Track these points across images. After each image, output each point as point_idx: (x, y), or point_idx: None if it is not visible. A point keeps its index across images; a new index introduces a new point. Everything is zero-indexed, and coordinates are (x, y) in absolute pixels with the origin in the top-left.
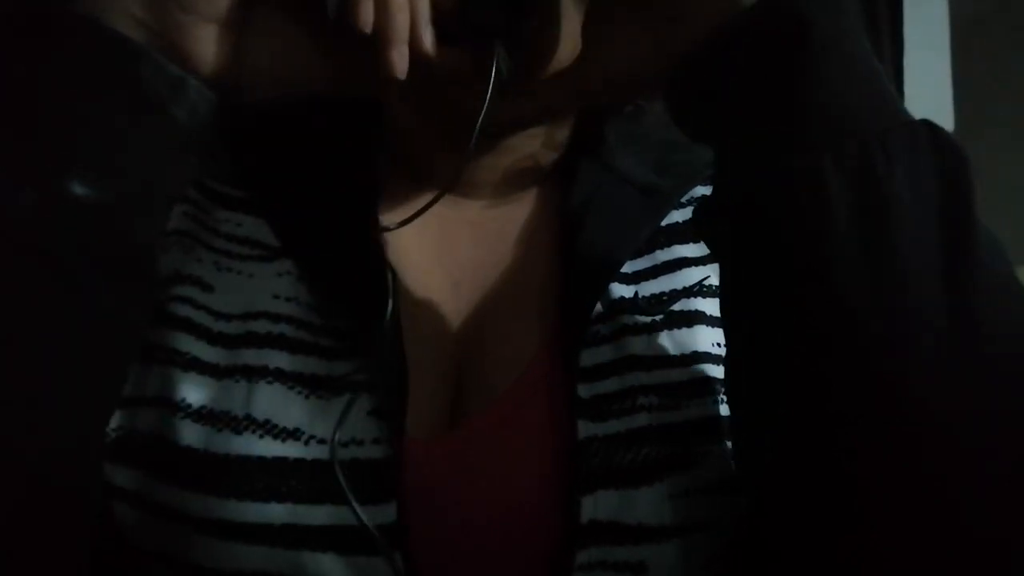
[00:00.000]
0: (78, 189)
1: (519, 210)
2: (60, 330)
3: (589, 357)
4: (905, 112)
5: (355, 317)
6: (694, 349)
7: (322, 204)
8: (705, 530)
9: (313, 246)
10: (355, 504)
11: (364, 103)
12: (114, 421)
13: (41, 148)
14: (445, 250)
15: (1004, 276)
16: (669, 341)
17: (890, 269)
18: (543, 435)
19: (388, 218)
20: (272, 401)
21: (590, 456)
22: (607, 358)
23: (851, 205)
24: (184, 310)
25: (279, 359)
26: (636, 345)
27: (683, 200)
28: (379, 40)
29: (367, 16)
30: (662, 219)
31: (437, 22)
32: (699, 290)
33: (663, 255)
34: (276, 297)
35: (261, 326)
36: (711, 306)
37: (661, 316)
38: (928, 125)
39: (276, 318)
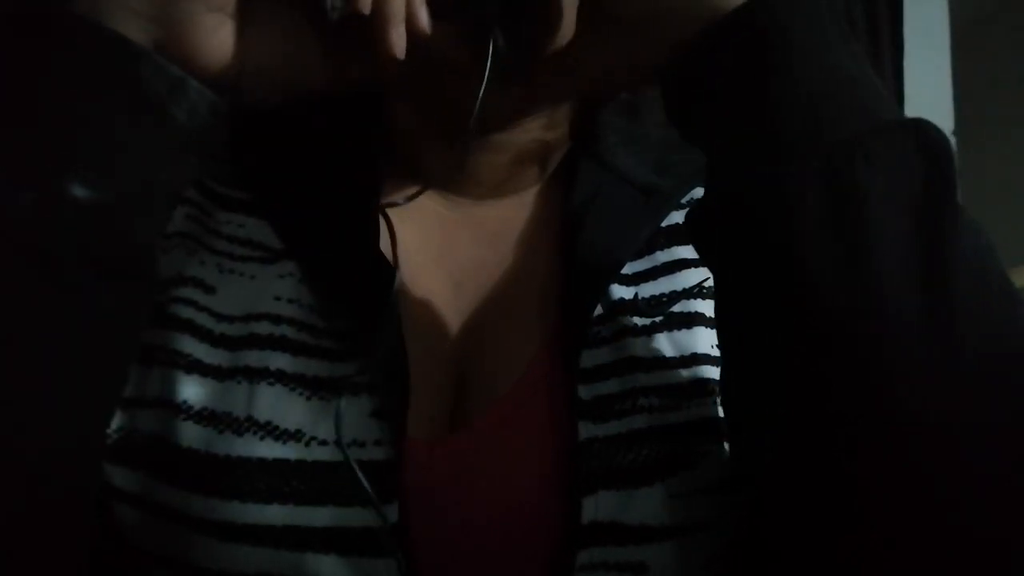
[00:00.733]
0: (78, 190)
1: (520, 211)
2: (59, 330)
3: (589, 358)
4: (893, 113)
5: (356, 319)
6: (694, 351)
7: (323, 205)
8: (705, 530)
9: (315, 248)
10: (376, 502)
11: (364, 103)
12: (115, 422)
13: (41, 149)
14: (447, 251)
15: (989, 272)
16: (669, 342)
17: (866, 271)
18: (543, 436)
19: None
20: (273, 403)
21: (591, 457)
22: (607, 359)
23: (825, 210)
24: (186, 312)
25: (280, 361)
26: (636, 346)
27: (683, 201)
28: (377, 21)
29: None
30: (662, 220)
31: (433, 4)
32: (699, 291)
33: (663, 256)
34: (278, 299)
35: (263, 328)
36: (710, 307)
37: (661, 317)
38: (913, 124)
39: (278, 320)
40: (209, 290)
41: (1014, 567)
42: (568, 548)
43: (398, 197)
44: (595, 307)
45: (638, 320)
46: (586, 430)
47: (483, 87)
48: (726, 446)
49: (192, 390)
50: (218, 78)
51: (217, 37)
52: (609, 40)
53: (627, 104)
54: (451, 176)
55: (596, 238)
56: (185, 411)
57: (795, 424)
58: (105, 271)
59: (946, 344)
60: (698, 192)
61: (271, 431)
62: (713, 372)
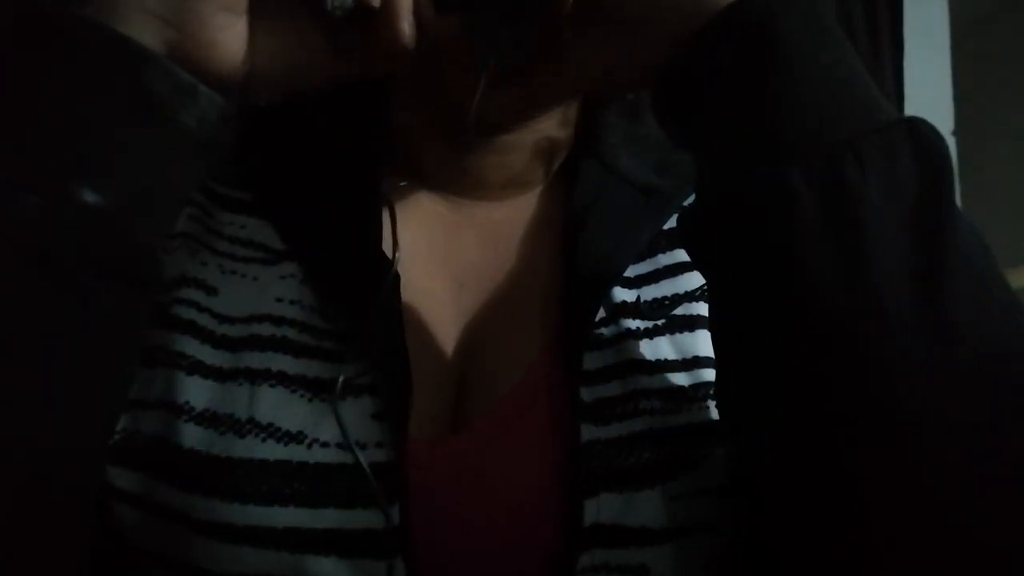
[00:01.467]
0: (86, 195)
1: (523, 212)
2: (60, 331)
3: (591, 361)
4: (887, 114)
5: (358, 320)
6: (695, 353)
7: (325, 206)
8: (706, 532)
9: (316, 249)
10: (384, 505)
11: (365, 104)
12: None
13: (49, 153)
14: (449, 252)
15: (984, 273)
16: (670, 345)
17: (860, 272)
18: (544, 437)
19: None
20: (275, 404)
21: (592, 459)
22: (609, 362)
23: (820, 212)
24: (188, 313)
25: (282, 362)
26: (638, 349)
27: (684, 203)
28: (387, 12)
29: None
30: (664, 222)
31: None
32: (700, 294)
33: (664, 259)
34: (279, 300)
35: (264, 329)
36: None
37: (662, 320)
38: (909, 124)
39: (279, 321)
40: (211, 291)
41: (1014, 567)
42: (569, 550)
43: (398, 195)
44: (597, 309)
45: (640, 323)
46: (588, 432)
47: (483, 78)
48: (726, 449)
49: (194, 391)
50: (228, 78)
51: (228, 36)
52: (609, 40)
53: (628, 105)
54: (452, 176)
55: (598, 240)
56: (187, 412)
57: (795, 424)
58: (109, 274)
59: (945, 344)
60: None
61: (272, 433)
62: (714, 375)
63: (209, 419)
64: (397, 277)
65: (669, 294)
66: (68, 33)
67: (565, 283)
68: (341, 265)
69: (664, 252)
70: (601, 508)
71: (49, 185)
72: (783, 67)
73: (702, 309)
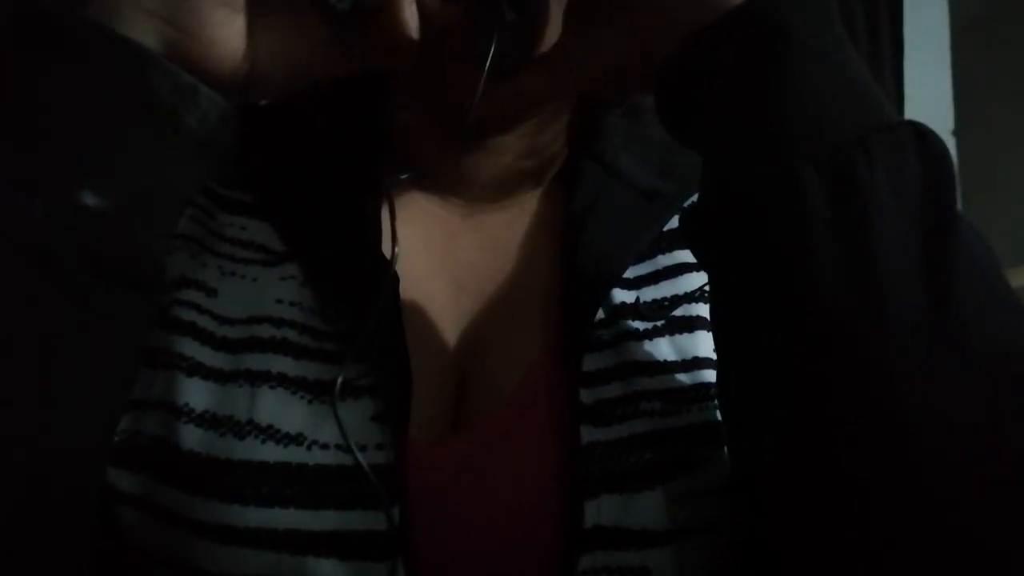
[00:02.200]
0: (87, 197)
1: (522, 214)
2: (60, 332)
3: (591, 362)
4: (891, 115)
5: (358, 322)
6: (695, 354)
7: (325, 207)
8: (707, 533)
9: (316, 250)
10: (387, 507)
11: (364, 103)
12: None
13: (49, 154)
14: (449, 254)
15: (989, 275)
16: (670, 346)
17: (869, 271)
18: (545, 438)
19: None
20: (275, 406)
21: (592, 460)
22: (609, 363)
23: (830, 210)
24: (188, 314)
25: (282, 364)
26: (637, 350)
27: (685, 205)
28: (391, 3)
29: None
30: (664, 224)
31: None
32: (700, 295)
33: (664, 260)
34: (280, 302)
35: (264, 331)
36: None
37: (662, 322)
38: (912, 126)
39: (279, 323)
40: (211, 293)
41: (1014, 567)
42: (569, 551)
43: (399, 195)
44: (596, 311)
45: (640, 324)
46: (588, 434)
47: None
48: (727, 449)
49: (193, 393)
50: (229, 76)
51: (227, 33)
52: (609, 40)
53: (629, 105)
54: (452, 177)
55: (598, 242)
56: (187, 414)
57: (795, 424)
58: (109, 275)
59: (950, 344)
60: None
61: (272, 434)
62: (714, 376)
63: (209, 421)
64: (396, 278)
65: (669, 295)
66: (68, 34)
67: (565, 284)
68: (341, 266)
69: (664, 253)
70: (602, 509)
71: (50, 186)
72: (793, 65)
73: (702, 310)
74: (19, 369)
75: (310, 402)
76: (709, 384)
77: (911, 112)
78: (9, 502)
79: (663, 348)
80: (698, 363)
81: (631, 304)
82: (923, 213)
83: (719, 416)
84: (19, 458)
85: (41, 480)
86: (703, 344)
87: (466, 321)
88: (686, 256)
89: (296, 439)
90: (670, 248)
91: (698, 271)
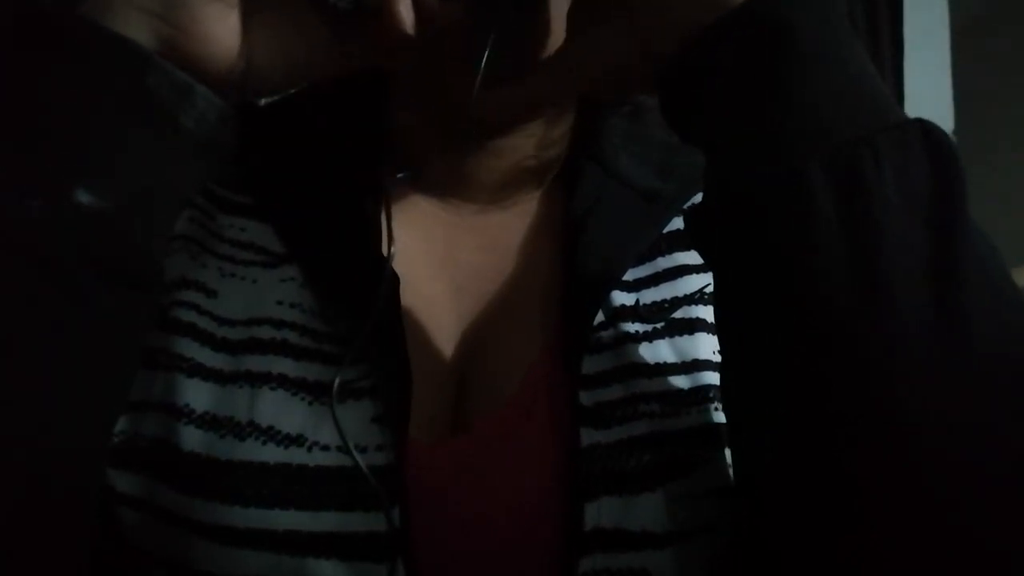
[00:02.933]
0: (84, 197)
1: (522, 216)
2: (60, 332)
3: (591, 364)
4: (898, 114)
5: (358, 323)
6: (695, 356)
7: (325, 209)
8: (707, 535)
9: (316, 252)
10: (387, 508)
11: (364, 104)
12: (118, 426)
13: (48, 155)
14: (448, 255)
15: (995, 276)
16: (670, 348)
17: (874, 271)
18: (545, 439)
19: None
20: (275, 407)
21: (592, 462)
22: (608, 365)
23: (837, 208)
24: (188, 315)
25: (282, 365)
26: (637, 353)
27: (685, 207)
28: (390, 1)
29: None
30: (664, 226)
31: None
32: (700, 297)
33: (664, 262)
34: (280, 303)
35: (264, 332)
36: (711, 313)
37: (662, 323)
38: (920, 125)
39: (279, 324)
40: (211, 294)
41: (1014, 567)
42: (569, 553)
43: (398, 196)
44: (596, 313)
45: (639, 326)
46: (588, 436)
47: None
48: (727, 451)
49: (194, 394)
50: (225, 74)
51: (222, 30)
52: (609, 40)
53: (629, 106)
54: (452, 178)
55: (598, 243)
56: (187, 415)
57: (796, 424)
58: (109, 275)
59: (955, 344)
60: (699, 198)
61: (273, 435)
62: (714, 378)
63: (209, 422)
64: (396, 279)
65: (668, 297)
66: (67, 33)
67: (565, 285)
68: (341, 268)
69: (663, 255)
70: (602, 511)
71: (49, 186)
72: (795, 63)
73: (702, 312)
74: (19, 369)
75: (310, 403)
76: (709, 386)
77: (911, 112)
78: (9, 502)
79: (663, 350)
80: (698, 365)
81: (631, 307)
82: (930, 213)
83: (719, 418)
84: (19, 458)
85: (41, 480)
86: (703, 346)
87: (466, 322)
88: (686, 258)
89: (296, 440)
90: (670, 250)
91: (698, 273)
